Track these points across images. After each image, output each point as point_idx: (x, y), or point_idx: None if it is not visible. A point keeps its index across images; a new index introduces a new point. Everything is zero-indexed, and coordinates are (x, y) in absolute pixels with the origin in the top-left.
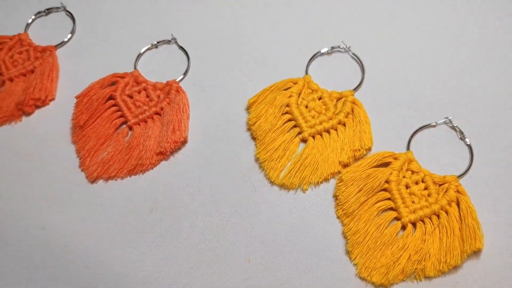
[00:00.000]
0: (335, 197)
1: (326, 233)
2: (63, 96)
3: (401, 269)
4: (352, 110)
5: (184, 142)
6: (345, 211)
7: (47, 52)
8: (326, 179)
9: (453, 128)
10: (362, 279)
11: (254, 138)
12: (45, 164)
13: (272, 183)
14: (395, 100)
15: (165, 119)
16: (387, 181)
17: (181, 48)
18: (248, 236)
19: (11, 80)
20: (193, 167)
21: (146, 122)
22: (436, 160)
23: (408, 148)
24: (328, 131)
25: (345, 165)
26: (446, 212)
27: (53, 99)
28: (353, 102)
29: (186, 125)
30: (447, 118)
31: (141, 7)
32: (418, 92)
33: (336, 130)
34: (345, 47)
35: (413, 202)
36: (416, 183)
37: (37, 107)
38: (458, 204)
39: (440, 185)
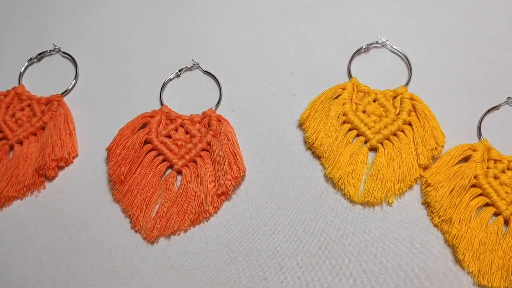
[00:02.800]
0: (426, 204)
1: (427, 244)
2: (85, 149)
3: None
4: (414, 107)
5: (244, 175)
6: (442, 218)
7: (55, 103)
8: (410, 187)
9: None
10: (482, 286)
11: (318, 157)
12: (90, 231)
13: (353, 202)
14: (449, 89)
15: (216, 155)
16: (474, 176)
17: (207, 72)
18: (346, 267)
19: (20, 142)
20: (260, 202)
21: (195, 162)
22: (507, 141)
23: (479, 136)
24: (395, 134)
25: (425, 168)
26: None
27: (77, 155)
28: (411, 98)
29: (241, 156)
30: (509, 97)
31: (150, 36)
32: (470, 77)
33: (403, 131)
34: (382, 41)
35: (506, 192)
36: (503, 171)
37: (60, 167)
38: None
39: None
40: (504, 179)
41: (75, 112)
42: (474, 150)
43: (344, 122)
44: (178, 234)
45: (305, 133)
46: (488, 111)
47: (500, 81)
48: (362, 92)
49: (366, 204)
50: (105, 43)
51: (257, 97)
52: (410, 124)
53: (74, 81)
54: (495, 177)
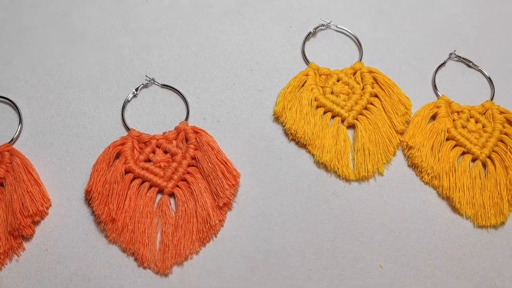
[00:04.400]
0: (413, 165)
1: (425, 202)
2: (56, 196)
3: (507, 201)
4: (375, 79)
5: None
6: (431, 174)
7: (6, 154)
8: (394, 153)
9: (460, 60)
10: (482, 227)
11: (303, 145)
12: (94, 282)
13: (348, 180)
14: (398, 56)
15: (206, 167)
16: (446, 130)
17: (165, 86)
18: (363, 244)
19: None
20: (261, 203)
21: (184, 180)
22: (460, 92)
23: (436, 93)
24: (366, 108)
25: (401, 133)
26: (507, 134)
27: (50, 205)
28: (370, 71)
29: (231, 163)
30: (451, 53)
31: (92, 60)
32: (413, 42)
33: (372, 104)
34: (326, 23)
35: (476, 138)
36: (467, 120)
37: (36, 223)
38: (509, 122)
39: (483, 113)
40: (471, 126)
41: (31, 159)
42: (438, 107)
43: (317, 107)
44: (191, 258)
45: (284, 126)
46: (437, 69)
47: (440, 40)
48: (324, 74)
49: (361, 179)
50: (40, 77)
51: (225, 100)
52: (376, 95)
53: (20, 126)
54: (463, 127)
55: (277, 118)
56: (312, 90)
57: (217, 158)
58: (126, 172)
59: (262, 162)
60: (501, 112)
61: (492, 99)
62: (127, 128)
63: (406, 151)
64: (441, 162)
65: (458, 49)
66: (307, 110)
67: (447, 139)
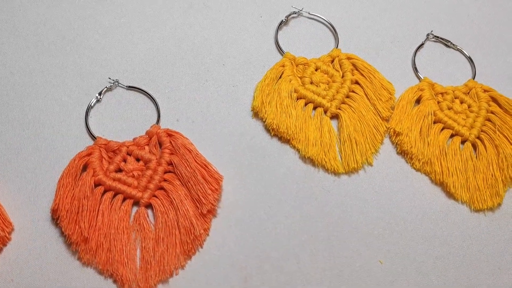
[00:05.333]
0: (402, 152)
1: (418, 190)
2: (18, 219)
3: (501, 181)
4: (354, 65)
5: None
6: (422, 160)
7: None
8: (381, 141)
9: (438, 40)
10: (479, 210)
11: (287, 140)
12: None
13: (337, 174)
14: (374, 40)
15: (184, 173)
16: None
17: (131, 88)
18: (360, 240)
19: None
20: (248, 207)
21: (162, 188)
22: (441, 73)
23: (418, 76)
24: (348, 96)
25: (387, 119)
26: (493, 113)
27: (13, 229)
28: (348, 58)
29: (212, 165)
30: (428, 34)
31: (49, 65)
32: (388, 25)
33: (354, 91)
34: (298, 10)
35: (463, 119)
36: (452, 101)
37: None
38: (494, 100)
39: (467, 93)
40: (456, 107)
41: None
42: (421, 90)
43: (297, 99)
44: (176, 274)
45: (265, 121)
46: (416, 50)
47: (415, 21)
48: (301, 64)
49: (350, 172)
50: None
51: (198, 98)
52: (357, 82)
53: None
54: (449, 108)
55: (256, 114)
56: (290, 81)
57: (196, 161)
58: (96, 185)
59: (244, 162)
60: (485, 91)
61: (474, 78)
62: (92, 136)
63: (393, 138)
64: (431, 146)
65: (434, 29)
66: (287, 102)
67: (434, 122)
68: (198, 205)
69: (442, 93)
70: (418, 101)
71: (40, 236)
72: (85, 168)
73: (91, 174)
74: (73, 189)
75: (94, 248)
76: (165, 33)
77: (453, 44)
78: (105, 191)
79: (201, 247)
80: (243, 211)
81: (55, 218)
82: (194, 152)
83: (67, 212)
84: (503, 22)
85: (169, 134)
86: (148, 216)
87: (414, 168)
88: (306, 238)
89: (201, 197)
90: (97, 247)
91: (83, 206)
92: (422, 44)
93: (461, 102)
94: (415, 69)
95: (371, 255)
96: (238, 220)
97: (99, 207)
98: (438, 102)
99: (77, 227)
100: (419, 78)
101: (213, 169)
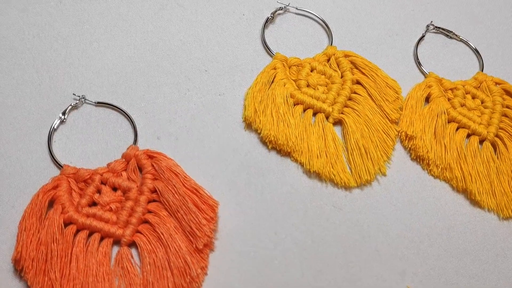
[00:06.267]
0: (417, 158)
1: (439, 200)
2: None
3: None
4: (354, 64)
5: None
6: (441, 166)
7: None
8: (393, 147)
9: (439, 31)
10: (509, 218)
11: (287, 153)
12: None
13: (348, 188)
14: (370, 35)
15: (172, 201)
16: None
17: (101, 104)
18: (382, 261)
19: None
20: (250, 236)
21: (147, 222)
22: (444, 66)
23: (422, 70)
24: (350, 98)
25: (396, 122)
26: (508, 107)
27: None
28: (346, 56)
29: (204, 190)
30: (427, 25)
31: (6, 78)
32: (384, 18)
33: (355, 93)
34: (284, 6)
35: (479, 116)
36: (464, 97)
37: None
38: (508, 93)
39: (478, 87)
40: (469, 104)
41: None
42: (429, 87)
43: (294, 105)
44: None
45: (260, 133)
46: (417, 43)
47: (412, 12)
48: (294, 65)
49: (363, 184)
50: None
51: (180, 112)
52: (358, 82)
53: None
54: (462, 105)
55: (249, 125)
56: (285, 85)
57: (184, 186)
58: (66, 224)
59: (241, 182)
60: (497, 83)
61: (482, 70)
62: (58, 165)
63: (406, 143)
64: (448, 149)
65: (434, 19)
66: (284, 109)
67: (448, 122)
68: (191, 239)
69: (451, 89)
70: (426, 99)
71: None
72: (51, 204)
73: (59, 212)
74: (39, 231)
75: None
76: (136, 39)
77: (456, 35)
78: (77, 231)
79: None
80: (245, 241)
81: (18, 269)
82: (181, 176)
83: (32, 261)
84: (509, 8)
85: (150, 155)
86: (132, 257)
87: (432, 175)
88: (321, 267)
89: (194, 229)
90: None
91: (52, 251)
92: (422, 36)
93: (473, 98)
94: (419, 64)
95: (397, 279)
96: (240, 253)
97: (72, 251)
98: (449, 99)
99: (46, 279)
100: (423, 73)
101: (206, 194)
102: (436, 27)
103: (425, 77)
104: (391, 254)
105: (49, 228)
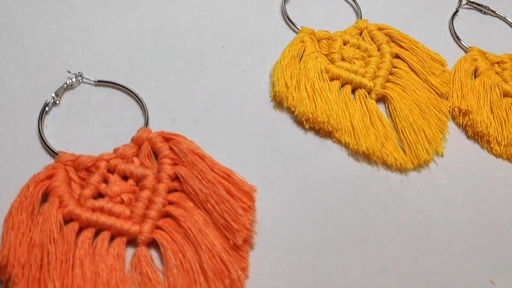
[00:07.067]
0: (475, 135)
1: (509, 178)
2: None
3: None
4: (390, 37)
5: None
6: (504, 142)
7: None
8: (447, 124)
9: (473, 7)
10: None
11: (328, 133)
12: None
13: (404, 171)
14: (401, 10)
15: (199, 188)
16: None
17: (102, 83)
18: (457, 257)
19: None
20: (296, 228)
21: (170, 215)
22: (483, 42)
23: (462, 45)
24: (391, 73)
25: (445, 97)
26: None
27: None
28: (380, 29)
29: (236, 173)
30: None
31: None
32: None
33: (396, 67)
34: None
35: None
36: None
37: None
38: None
39: None
40: None
41: None
42: (475, 60)
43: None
44: None
45: (295, 111)
46: (452, 18)
47: None
48: (324, 39)
49: (420, 166)
50: None
51: (197, 91)
52: (397, 56)
53: None
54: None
55: (279, 103)
56: (317, 58)
57: (213, 170)
58: (66, 221)
59: (277, 168)
60: None
61: None
62: (52, 152)
63: (460, 119)
64: (508, 124)
65: None
66: (320, 84)
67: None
68: (227, 233)
69: (498, 62)
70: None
71: None
72: (45, 198)
73: (56, 205)
74: (31, 231)
75: None
76: (141, 12)
77: (491, 10)
78: (80, 229)
79: None
80: (290, 236)
81: (3, 279)
82: (208, 159)
83: (23, 268)
84: None
85: (167, 138)
86: (152, 260)
87: (494, 154)
88: (385, 263)
89: (230, 221)
90: None
91: (49, 255)
92: (456, 11)
93: None
94: (457, 38)
95: (478, 273)
96: (285, 250)
97: (74, 253)
98: (497, 73)
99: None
100: (463, 48)
101: (240, 180)
102: (469, 1)
103: (466, 53)
104: (464, 245)
105: (44, 225)
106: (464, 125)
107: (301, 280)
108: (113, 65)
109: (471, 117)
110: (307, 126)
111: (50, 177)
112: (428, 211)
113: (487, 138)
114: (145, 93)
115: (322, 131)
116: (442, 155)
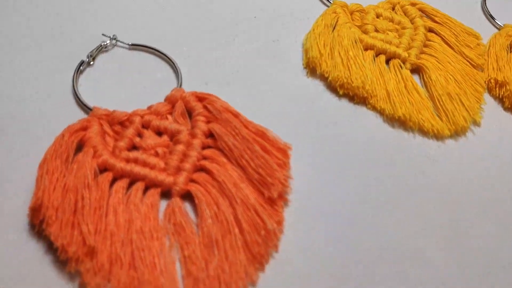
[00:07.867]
0: None
1: None
2: None
3: None
4: (423, 11)
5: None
6: None
7: None
8: (483, 94)
9: None
10: None
11: (362, 100)
12: None
13: (440, 137)
14: None
15: (234, 144)
16: None
17: (136, 46)
18: (503, 223)
19: None
20: (335, 191)
21: (203, 169)
22: None
23: (495, 23)
24: (425, 45)
25: (480, 69)
26: None
27: None
28: (413, 4)
29: (270, 131)
30: None
31: (24, 16)
32: None
33: (429, 40)
34: None
35: None
36: None
37: None
38: None
39: None
40: None
41: None
42: (510, 36)
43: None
44: None
45: (328, 77)
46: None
47: None
48: (356, 11)
49: (457, 134)
50: None
51: (229, 57)
52: (430, 30)
53: None
54: None
55: (312, 70)
56: (350, 28)
57: (247, 128)
58: (100, 171)
59: (311, 133)
60: None
61: None
62: (86, 107)
63: (497, 91)
64: None
65: None
66: (354, 52)
67: None
68: (261, 188)
69: None
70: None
71: (14, 256)
72: (79, 149)
73: (91, 154)
74: (65, 176)
75: (106, 265)
76: None
77: None
78: (114, 179)
79: (276, 252)
80: (325, 198)
81: (37, 221)
82: (242, 117)
83: (57, 211)
84: None
85: (200, 97)
86: (186, 211)
87: None
88: (423, 226)
89: (264, 175)
90: (112, 263)
91: (83, 200)
92: None
93: None
94: (491, 17)
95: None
96: (320, 209)
97: (108, 201)
98: None
99: (76, 233)
100: (497, 27)
101: (274, 137)
102: None
103: (499, 30)
104: (501, 212)
105: (79, 172)
106: (501, 96)
107: (336, 240)
108: (145, 30)
109: (508, 87)
110: (341, 92)
111: (84, 128)
112: (466, 177)
113: None
114: (178, 57)
115: (357, 97)
116: (479, 125)
